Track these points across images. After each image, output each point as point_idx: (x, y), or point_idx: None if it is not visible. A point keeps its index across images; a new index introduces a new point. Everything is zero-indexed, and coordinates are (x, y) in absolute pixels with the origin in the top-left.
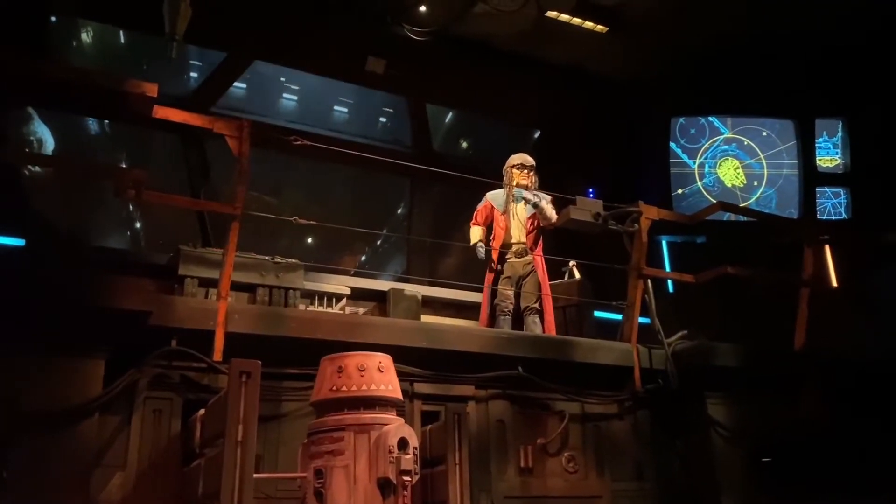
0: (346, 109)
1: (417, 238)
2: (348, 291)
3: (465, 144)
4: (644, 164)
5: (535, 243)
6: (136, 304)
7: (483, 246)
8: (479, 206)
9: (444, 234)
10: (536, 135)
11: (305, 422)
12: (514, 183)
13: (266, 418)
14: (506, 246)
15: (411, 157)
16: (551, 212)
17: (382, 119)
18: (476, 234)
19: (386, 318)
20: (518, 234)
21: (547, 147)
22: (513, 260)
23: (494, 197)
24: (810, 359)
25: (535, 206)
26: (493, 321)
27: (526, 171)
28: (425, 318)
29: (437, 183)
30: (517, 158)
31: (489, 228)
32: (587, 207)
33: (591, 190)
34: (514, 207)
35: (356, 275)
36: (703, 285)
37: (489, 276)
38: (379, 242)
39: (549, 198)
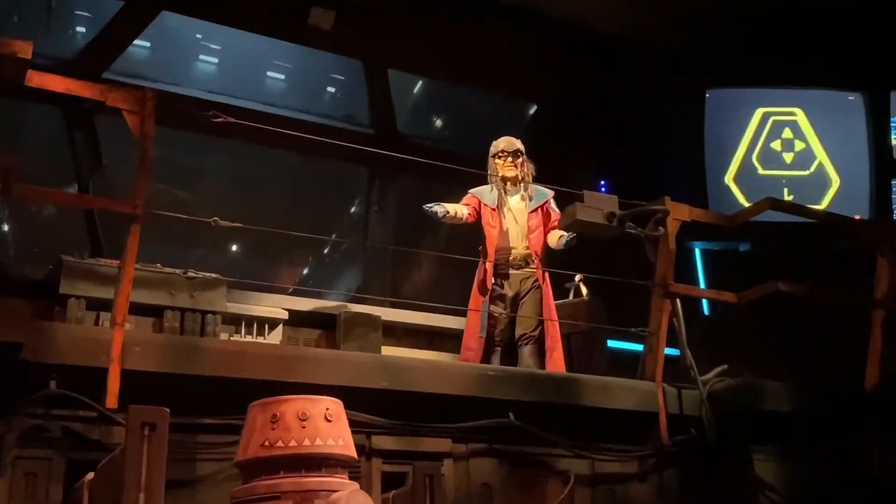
0: (282, 76)
1: (377, 245)
2: (286, 315)
3: (438, 123)
4: (671, 149)
5: (541, 249)
6: (1, 334)
7: (445, 209)
8: (463, 200)
9: (411, 239)
10: (532, 111)
11: (229, 488)
12: (500, 175)
13: (176, 483)
14: (501, 253)
15: (369, 140)
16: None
17: (331, 89)
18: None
19: (335, 350)
20: (517, 237)
21: (546, 127)
22: (513, 273)
23: (480, 191)
24: (886, 401)
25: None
26: (484, 356)
27: (510, 158)
28: (387, 350)
29: (402, 173)
30: (499, 143)
31: (480, 230)
32: (598, 205)
33: (602, 183)
34: (508, 201)
35: (296, 293)
36: (748, 306)
37: (476, 297)
38: (327, 251)
39: (550, 193)
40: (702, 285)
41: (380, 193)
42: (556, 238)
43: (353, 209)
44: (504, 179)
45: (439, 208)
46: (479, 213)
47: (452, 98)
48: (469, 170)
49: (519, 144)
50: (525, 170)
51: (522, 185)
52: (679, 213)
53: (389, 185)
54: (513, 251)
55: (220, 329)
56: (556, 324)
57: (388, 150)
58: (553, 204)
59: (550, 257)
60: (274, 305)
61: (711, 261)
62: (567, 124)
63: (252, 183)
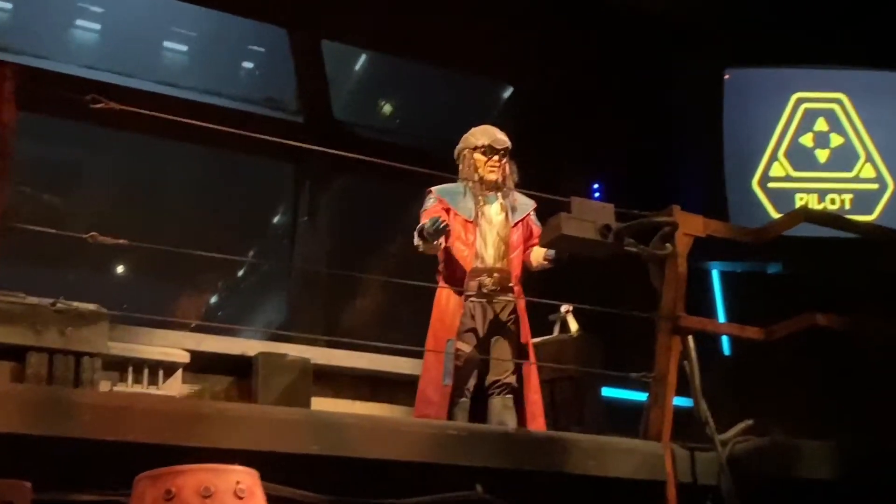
0: (184, 48)
1: (307, 267)
2: (187, 359)
3: (386, 109)
4: (682, 146)
5: (520, 273)
6: None
7: (440, 222)
8: (429, 206)
9: (352, 258)
10: (507, 94)
11: None
12: (479, 176)
13: None
14: (474, 276)
15: (297, 130)
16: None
17: (247, 65)
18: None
19: (251, 404)
20: (495, 256)
21: (524, 116)
22: (486, 302)
23: (449, 193)
24: None
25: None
26: (449, 410)
27: (497, 157)
28: (319, 404)
29: (340, 172)
30: (482, 135)
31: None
32: (589, 216)
33: (595, 187)
34: (485, 211)
35: (201, 329)
36: (779, 344)
37: (438, 333)
38: (242, 273)
39: (532, 204)
40: (721, 318)
41: (311, 199)
42: (541, 255)
43: (276, 219)
44: (483, 182)
45: (436, 224)
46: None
47: (403, 77)
48: (426, 171)
49: (506, 140)
50: (509, 172)
51: (504, 192)
52: (691, 226)
53: (323, 187)
54: (488, 275)
55: (99, 377)
56: (535, 368)
57: (322, 144)
58: (534, 217)
59: (527, 282)
60: (171, 345)
61: (733, 287)
62: (551, 113)
63: (145, 186)
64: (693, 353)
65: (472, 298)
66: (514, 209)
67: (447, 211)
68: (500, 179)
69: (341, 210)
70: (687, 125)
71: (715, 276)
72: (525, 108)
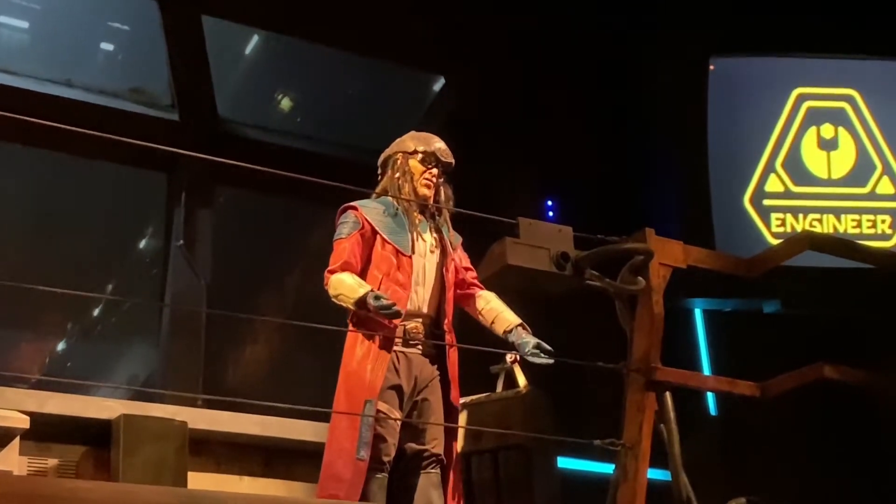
0: (24, 25)
1: (182, 307)
2: (26, 423)
3: (285, 104)
4: (656, 151)
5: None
6: None
7: (387, 302)
8: (345, 234)
9: (239, 294)
10: (438, 86)
11: None
12: (410, 190)
13: None
14: (405, 321)
15: (171, 129)
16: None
17: (107, 46)
18: (349, 281)
19: (110, 482)
20: (425, 297)
21: (459, 113)
22: (411, 352)
23: (374, 213)
24: None
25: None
26: (364, 489)
27: (437, 170)
28: (198, 480)
29: (226, 184)
30: (424, 141)
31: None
32: (541, 241)
33: (549, 204)
34: (420, 241)
35: (42, 386)
36: (779, 402)
37: (352, 390)
38: (98, 313)
39: (458, 238)
40: (705, 370)
41: (188, 218)
42: (502, 326)
43: (142, 244)
44: (420, 195)
45: (395, 309)
46: (366, 256)
47: (306, 65)
48: (335, 184)
49: (449, 154)
50: (444, 195)
51: (434, 217)
52: (669, 254)
53: (204, 203)
54: (415, 320)
55: None
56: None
57: (203, 148)
58: (462, 252)
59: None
60: (6, 405)
61: (720, 330)
62: (492, 110)
63: None
64: (671, 414)
65: (397, 348)
66: (451, 244)
67: (373, 236)
68: (432, 202)
69: (227, 232)
70: (663, 128)
71: (698, 316)
72: (459, 105)
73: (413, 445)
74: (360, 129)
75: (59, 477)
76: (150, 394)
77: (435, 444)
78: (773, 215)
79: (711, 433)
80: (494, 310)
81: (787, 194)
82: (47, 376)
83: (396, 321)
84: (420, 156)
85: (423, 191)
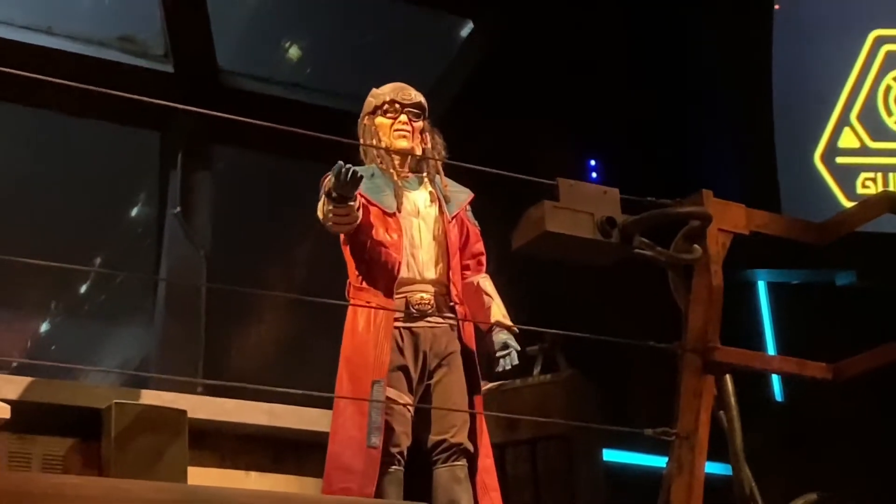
0: None
1: (179, 281)
2: (6, 412)
3: (293, 53)
4: (713, 104)
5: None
6: None
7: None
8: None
9: (242, 266)
10: (465, 32)
11: None
12: (386, 147)
13: None
14: (403, 290)
15: (166, 82)
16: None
17: None
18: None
19: (100, 477)
20: (430, 262)
21: (489, 62)
22: (417, 327)
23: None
24: None
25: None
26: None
27: (406, 116)
28: (198, 475)
29: (227, 144)
30: (382, 92)
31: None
32: (584, 206)
33: (592, 164)
34: (410, 199)
35: (23, 371)
36: (853, 385)
37: (355, 372)
38: (85, 289)
39: (468, 193)
40: (770, 349)
41: (185, 182)
42: (486, 318)
43: (134, 211)
44: (392, 156)
45: (346, 170)
46: (363, 224)
47: (318, 9)
48: (348, 141)
49: (414, 95)
50: (429, 146)
51: (427, 172)
52: (729, 219)
53: (202, 165)
54: (420, 287)
55: None
56: (485, 422)
57: (201, 103)
58: (470, 213)
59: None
60: None
61: (787, 305)
62: (527, 59)
63: None
64: (732, 400)
65: (399, 323)
66: (447, 199)
67: (358, 197)
68: (417, 151)
69: (228, 198)
70: (721, 76)
71: (762, 289)
72: (490, 53)
73: (429, 435)
74: (377, 81)
75: (43, 472)
76: (144, 379)
77: (455, 433)
78: (848, 174)
79: (777, 421)
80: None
81: (864, 151)
82: (29, 360)
83: (395, 168)
84: (381, 109)
85: (401, 143)
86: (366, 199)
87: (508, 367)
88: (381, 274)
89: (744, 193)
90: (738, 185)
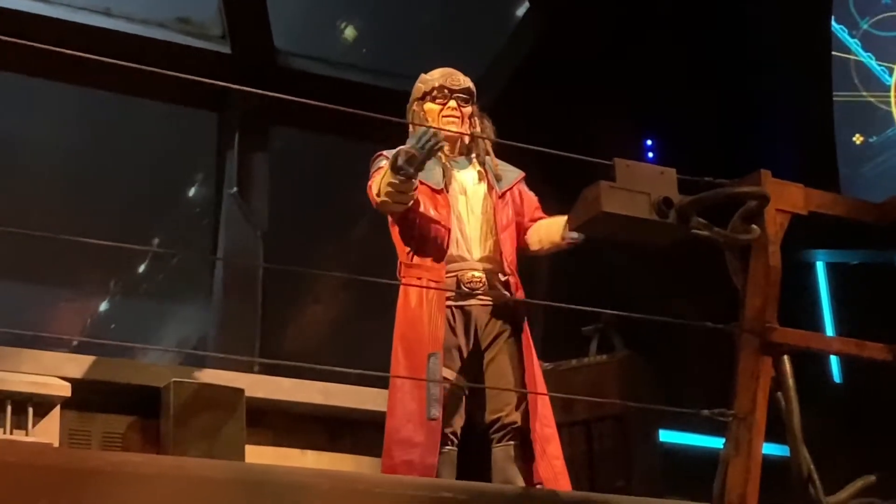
0: None
1: (236, 260)
2: (67, 391)
3: (349, 33)
4: (771, 81)
5: (513, 261)
6: None
7: (420, 134)
8: (382, 165)
9: (299, 246)
10: (521, 11)
11: None
12: (436, 128)
13: None
14: (454, 268)
15: (223, 63)
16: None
17: None
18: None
19: (159, 455)
20: (480, 240)
21: (545, 41)
22: (469, 305)
23: None
24: None
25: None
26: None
27: (455, 102)
28: (255, 453)
29: (283, 124)
30: (432, 77)
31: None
32: (641, 186)
33: (649, 143)
34: (457, 179)
35: (84, 349)
36: None
37: (409, 349)
38: (143, 269)
39: (520, 173)
40: (829, 330)
41: (242, 162)
42: (554, 232)
43: (192, 191)
44: (444, 140)
45: (429, 138)
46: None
47: None
48: (405, 121)
49: (464, 80)
50: (480, 128)
51: (476, 153)
52: (787, 198)
53: (259, 145)
54: (469, 266)
55: None
56: (549, 402)
57: (258, 83)
58: (525, 187)
59: (533, 276)
60: (45, 371)
61: (846, 286)
62: (583, 38)
63: (2, 144)
64: (790, 381)
65: (451, 302)
66: (498, 178)
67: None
68: (467, 137)
69: (285, 178)
70: (779, 53)
71: (821, 270)
72: (546, 32)
73: (483, 415)
74: (433, 61)
75: (103, 449)
76: (202, 358)
77: (508, 413)
78: None
79: (836, 403)
80: (540, 226)
81: None
82: (89, 338)
83: (444, 151)
84: (430, 95)
85: (450, 127)
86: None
87: (575, 237)
88: (431, 249)
89: (802, 173)
90: (797, 165)
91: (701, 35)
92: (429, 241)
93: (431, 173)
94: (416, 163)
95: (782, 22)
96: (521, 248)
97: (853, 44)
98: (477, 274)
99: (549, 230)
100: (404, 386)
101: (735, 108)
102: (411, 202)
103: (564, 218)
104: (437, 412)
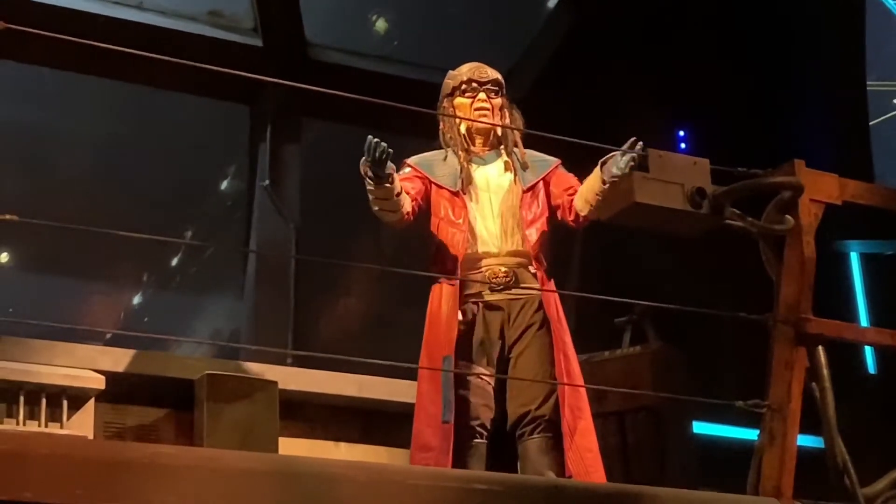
0: None
1: (269, 253)
2: (101, 383)
3: (380, 26)
4: (804, 70)
5: (541, 254)
6: None
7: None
8: (399, 177)
9: (331, 239)
10: (553, 2)
11: None
12: (463, 132)
13: None
14: (471, 265)
15: (255, 56)
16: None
17: None
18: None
19: (193, 447)
20: (501, 234)
21: (577, 32)
22: (497, 300)
23: (428, 162)
24: None
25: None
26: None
27: (485, 94)
28: (289, 445)
29: (315, 117)
30: (459, 72)
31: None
32: (674, 176)
33: (681, 134)
34: (479, 175)
35: (118, 342)
36: None
37: (430, 346)
38: (176, 262)
39: (554, 161)
40: (863, 321)
41: (274, 155)
42: (595, 179)
43: (224, 184)
44: (472, 137)
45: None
46: (425, 202)
47: None
48: (437, 113)
49: (491, 73)
50: (510, 120)
51: (505, 145)
52: (821, 188)
53: (291, 138)
54: (490, 261)
55: None
56: (585, 393)
57: (290, 76)
58: (562, 170)
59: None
60: (79, 364)
61: (880, 275)
62: (615, 28)
63: (37, 138)
64: (824, 372)
65: (475, 298)
66: (525, 169)
67: (426, 183)
68: (498, 129)
69: (317, 170)
70: (812, 43)
71: (854, 260)
72: (578, 22)
73: (513, 408)
74: (465, 52)
75: (137, 441)
76: (235, 350)
77: (539, 404)
78: None
79: (870, 393)
80: (580, 192)
81: None
82: (123, 331)
83: (471, 148)
84: (459, 90)
85: (481, 120)
86: (435, 183)
87: (615, 171)
88: (448, 253)
89: (836, 163)
90: (831, 155)
91: (733, 25)
92: (446, 245)
93: (445, 175)
94: (376, 171)
95: (815, 10)
96: (574, 221)
97: None
98: (504, 269)
99: (590, 185)
100: (423, 388)
101: (769, 98)
102: (401, 209)
103: (597, 168)
104: (450, 416)
